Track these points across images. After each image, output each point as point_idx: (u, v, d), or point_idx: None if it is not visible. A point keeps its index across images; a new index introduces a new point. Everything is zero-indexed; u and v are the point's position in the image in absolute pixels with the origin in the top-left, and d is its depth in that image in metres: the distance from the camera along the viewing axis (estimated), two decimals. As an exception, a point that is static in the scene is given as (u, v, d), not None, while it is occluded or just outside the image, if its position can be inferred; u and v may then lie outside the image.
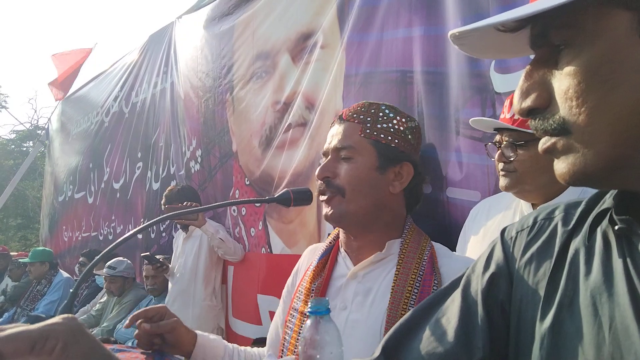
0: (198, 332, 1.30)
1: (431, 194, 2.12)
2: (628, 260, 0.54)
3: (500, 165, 1.54)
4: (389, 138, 1.26)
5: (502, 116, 1.56)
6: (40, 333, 0.61)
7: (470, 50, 0.63)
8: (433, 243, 1.29)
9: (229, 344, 1.36)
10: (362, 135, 1.27)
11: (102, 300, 4.70)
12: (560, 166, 0.56)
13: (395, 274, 1.20)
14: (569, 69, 0.53)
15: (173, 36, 4.65)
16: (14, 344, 0.59)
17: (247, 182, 3.33)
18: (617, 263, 0.55)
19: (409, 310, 1.13)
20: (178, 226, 3.80)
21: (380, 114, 1.28)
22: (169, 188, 3.61)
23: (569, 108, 0.53)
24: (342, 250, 1.33)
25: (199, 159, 3.96)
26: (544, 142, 0.57)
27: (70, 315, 0.66)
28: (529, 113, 0.58)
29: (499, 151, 1.54)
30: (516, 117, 1.49)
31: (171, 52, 4.62)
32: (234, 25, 3.52)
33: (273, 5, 3.17)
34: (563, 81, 0.53)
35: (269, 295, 3.05)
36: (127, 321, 1.25)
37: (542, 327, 0.60)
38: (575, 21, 0.52)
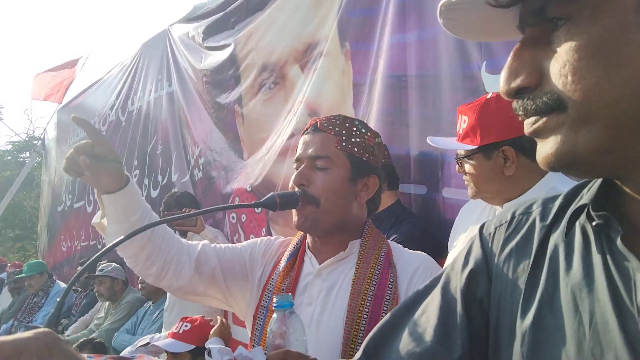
0: (130, 178, 1.31)
1: (427, 194, 2.14)
2: (607, 255, 0.54)
3: (464, 176, 1.64)
4: (361, 152, 1.34)
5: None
6: (14, 348, 0.58)
7: (455, 28, 0.61)
8: (390, 242, 1.39)
9: (148, 205, 1.36)
10: (339, 147, 1.33)
11: (100, 316, 4.70)
12: (547, 147, 0.53)
13: (356, 270, 1.30)
14: (568, 44, 0.50)
15: (168, 44, 4.66)
16: None
17: (249, 189, 3.35)
18: (597, 258, 0.55)
19: (368, 301, 1.22)
20: (177, 233, 3.80)
21: (354, 129, 1.35)
22: (168, 195, 3.62)
23: (563, 84, 0.50)
24: (308, 250, 1.40)
25: (201, 167, 3.98)
26: (532, 123, 0.54)
27: (46, 329, 0.64)
28: (517, 93, 0.55)
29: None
30: (461, 131, 1.59)
31: (168, 60, 4.63)
32: (236, 38, 3.56)
33: (273, 18, 3.22)
34: (559, 57, 0.51)
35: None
36: (71, 150, 1.21)
37: (524, 323, 0.60)
38: None
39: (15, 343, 0.58)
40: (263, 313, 1.36)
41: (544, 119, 0.53)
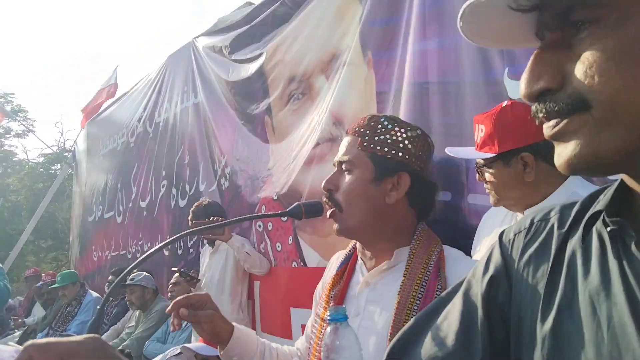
0: (235, 324, 1.34)
1: (452, 200, 2.14)
2: (623, 260, 0.55)
3: (484, 184, 1.64)
4: (386, 150, 1.29)
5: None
6: (68, 349, 0.63)
7: (472, 33, 0.62)
8: (445, 247, 1.31)
9: (260, 338, 1.41)
10: (360, 148, 1.30)
11: (131, 324, 4.79)
12: (568, 150, 0.54)
13: (402, 281, 1.23)
14: (595, 46, 0.51)
15: (193, 56, 4.75)
16: (45, 354, 0.63)
17: (275, 197, 3.39)
18: (613, 263, 0.56)
19: (413, 315, 1.15)
20: (205, 241, 3.87)
21: (379, 126, 1.31)
22: (196, 204, 3.68)
23: (590, 84, 0.51)
24: (359, 258, 1.38)
25: (228, 177, 4.04)
26: (553, 126, 0.55)
27: (94, 335, 0.69)
28: (540, 95, 0.55)
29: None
30: (478, 140, 1.59)
31: (193, 72, 4.71)
32: (263, 51, 3.63)
33: (299, 30, 3.28)
34: (585, 59, 0.52)
35: (304, 308, 3.10)
36: (169, 307, 1.27)
37: (544, 328, 0.61)
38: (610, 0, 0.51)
39: (69, 345, 0.64)
40: (316, 321, 1.37)
41: (566, 120, 0.53)
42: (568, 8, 0.53)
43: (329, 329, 0.98)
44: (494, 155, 1.55)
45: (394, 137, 1.30)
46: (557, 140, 0.55)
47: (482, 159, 1.61)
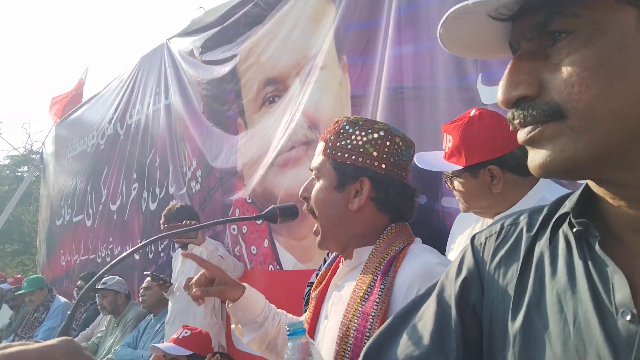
0: (247, 287, 1.45)
1: (426, 203, 2.17)
2: (588, 260, 0.58)
3: (454, 192, 1.67)
4: (346, 155, 1.24)
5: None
6: (39, 354, 0.60)
7: (447, 40, 0.63)
8: (415, 244, 1.25)
9: (269, 304, 1.51)
10: (324, 155, 1.27)
11: (102, 329, 4.70)
12: (543, 154, 0.55)
13: (356, 282, 1.20)
14: (573, 57, 0.53)
15: (166, 57, 4.70)
16: None
17: (249, 200, 3.37)
18: (578, 263, 0.59)
19: (356, 319, 1.12)
20: (177, 245, 3.82)
21: (341, 131, 1.25)
22: (168, 207, 3.64)
23: (568, 94, 0.53)
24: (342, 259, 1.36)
25: (199, 179, 4.00)
26: (529, 132, 0.56)
27: (67, 337, 0.65)
28: (517, 102, 0.57)
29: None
30: (447, 149, 1.62)
31: (165, 73, 4.66)
32: (236, 53, 3.61)
33: (274, 33, 3.28)
34: (564, 69, 0.53)
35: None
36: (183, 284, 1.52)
37: (514, 326, 0.63)
38: (586, 11, 0.52)
39: (40, 350, 0.60)
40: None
41: (541, 127, 0.55)
42: (546, 19, 0.54)
43: (289, 343, 0.95)
44: (461, 167, 1.57)
45: (354, 142, 1.24)
46: (531, 145, 0.57)
47: (451, 170, 1.63)
